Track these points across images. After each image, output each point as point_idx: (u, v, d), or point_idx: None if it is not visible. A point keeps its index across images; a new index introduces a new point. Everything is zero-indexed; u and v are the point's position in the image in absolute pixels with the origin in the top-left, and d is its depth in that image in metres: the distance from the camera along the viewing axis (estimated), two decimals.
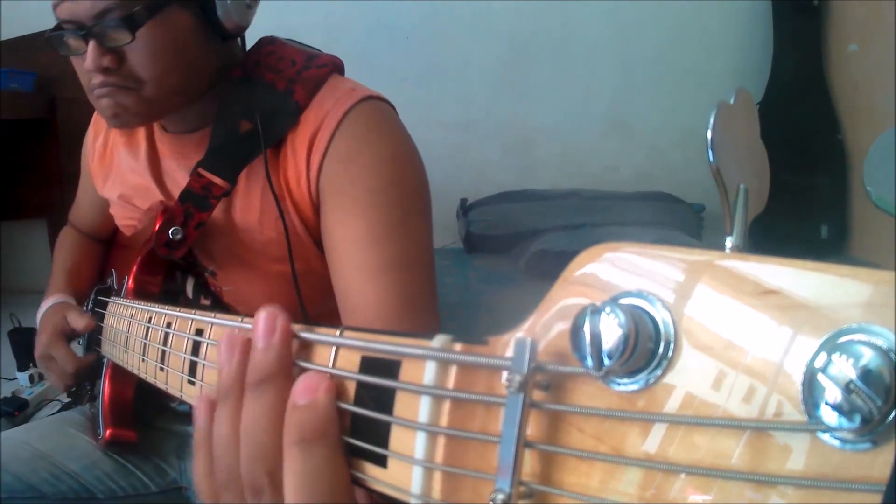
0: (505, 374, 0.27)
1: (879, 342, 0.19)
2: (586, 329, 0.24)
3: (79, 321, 1.07)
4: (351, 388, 0.35)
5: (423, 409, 0.31)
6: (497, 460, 0.26)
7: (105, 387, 1.01)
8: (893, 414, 0.19)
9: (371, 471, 0.33)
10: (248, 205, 0.94)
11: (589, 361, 0.24)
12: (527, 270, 2.50)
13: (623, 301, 0.25)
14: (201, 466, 0.39)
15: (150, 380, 0.69)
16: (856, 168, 2.96)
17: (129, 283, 0.97)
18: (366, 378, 0.34)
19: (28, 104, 2.75)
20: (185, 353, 0.57)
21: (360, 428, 0.34)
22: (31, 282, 1.15)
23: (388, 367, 0.33)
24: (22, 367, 2.05)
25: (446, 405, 0.30)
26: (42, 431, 1.10)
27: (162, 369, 0.65)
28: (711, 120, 0.26)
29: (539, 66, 3.22)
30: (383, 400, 0.33)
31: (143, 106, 0.89)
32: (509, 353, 0.27)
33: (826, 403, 0.20)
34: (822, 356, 0.20)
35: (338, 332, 0.36)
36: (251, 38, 1.00)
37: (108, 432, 1.00)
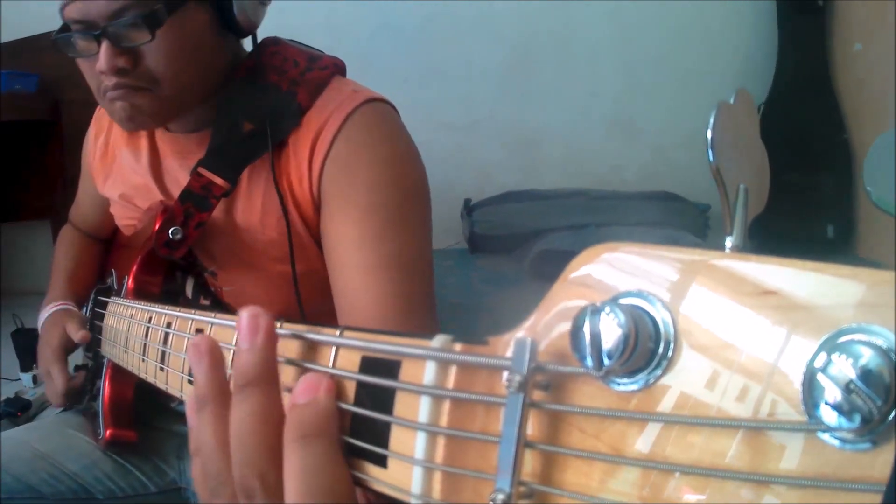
0: (505, 374, 0.27)
1: (879, 342, 0.19)
2: (586, 329, 0.24)
3: (76, 334, 1.08)
4: (351, 388, 0.35)
5: (423, 409, 0.31)
6: (497, 460, 0.26)
7: (105, 387, 1.01)
8: (893, 414, 0.19)
9: (371, 471, 0.33)
10: (250, 205, 0.94)
11: (589, 361, 0.24)
12: (530, 271, 2.50)
13: (623, 301, 0.25)
14: (196, 469, 0.39)
15: (150, 380, 0.69)
16: (861, 167, 2.96)
17: (129, 283, 0.97)
18: (366, 378, 0.34)
19: (31, 106, 2.75)
20: (185, 353, 0.57)
21: (360, 428, 0.34)
22: (33, 283, 1.15)
23: (388, 367, 0.33)
24: (25, 368, 2.06)
25: (446, 405, 0.30)
26: (42, 432, 1.10)
27: (162, 369, 0.65)
28: (711, 120, 0.26)
29: (542, 66, 3.22)
30: (383, 400, 0.33)
31: (158, 106, 0.88)
32: (509, 353, 0.27)
33: (826, 403, 0.20)
34: (822, 356, 0.20)
35: (338, 332, 0.36)
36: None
37: (108, 432, 1.01)
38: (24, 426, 1.17)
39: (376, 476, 0.33)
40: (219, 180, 0.92)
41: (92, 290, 1.22)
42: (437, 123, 3.09)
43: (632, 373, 0.24)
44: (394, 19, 3.13)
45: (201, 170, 0.92)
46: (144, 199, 1.05)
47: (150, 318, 0.72)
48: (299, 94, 0.92)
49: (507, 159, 3.26)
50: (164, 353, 0.64)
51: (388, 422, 0.32)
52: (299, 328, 0.39)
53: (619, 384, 0.25)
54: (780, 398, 0.21)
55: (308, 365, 0.37)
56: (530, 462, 0.27)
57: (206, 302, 1.02)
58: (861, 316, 0.20)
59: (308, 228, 0.93)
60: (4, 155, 2.77)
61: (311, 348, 0.38)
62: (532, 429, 0.27)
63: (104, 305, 1.03)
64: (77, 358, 1.21)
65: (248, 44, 1.00)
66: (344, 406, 0.34)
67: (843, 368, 0.19)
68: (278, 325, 0.40)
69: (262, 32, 1.01)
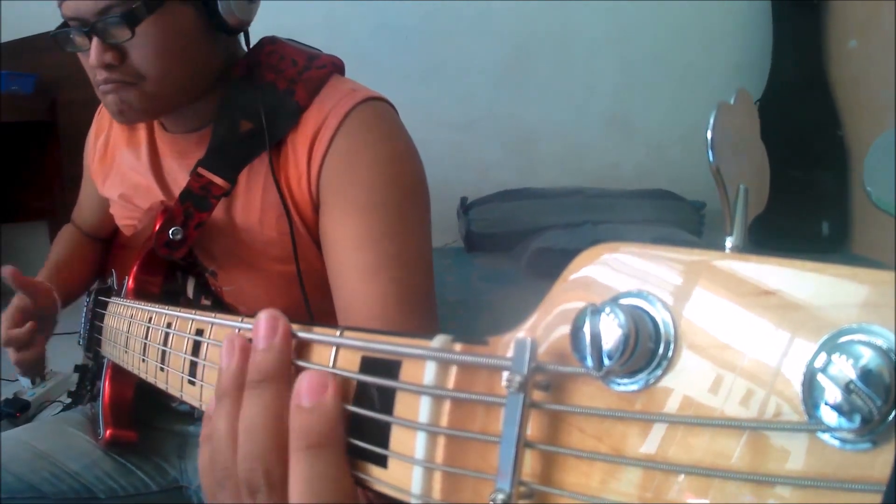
0: (505, 375, 0.27)
1: (879, 342, 0.19)
2: (586, 329, 0.24)
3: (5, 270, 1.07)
4: (351, 388, 0.35)
5: (423, 409, 0.31)
6: (497, 460, 0.26)
7: (105, 387, 1.01)
8: (893, 414, 0.19)
9: (371, 471, 0.33)
10: (249, 204, 0.94)
11: (589, 361, 0.24)
12: (528, 269, 2.50)
13: (623, 301, 0.25)
14: (204, 461, 0.40)
15: (151, 380, 0.69)
16: (857, 164, 2.96)
17: (130, 283, 0.97)
18: (366, 378, 0.34)
19: (28, 107, 2.75)
20: (186, 353, 0.57)
21: (360, 428, 0.34)
22: None
23: (389, 367, 0.33)
24: None
25: (446, 405, 0.30)
26: (42, 431, 1.10)
27: (162, 369, 0.65)
28: (711, 120, 0.26)
29: (539, 64, 3.22)
30: (383, 400, 0.33)
31: (146, 102, 0.90)
32: (509, 353, 0.27)
33: (826, 403, 0.20)
34: (822, 356, 0.20)
35: (338, 332, 0.36)
36: (252, 37, 1.00)
37: (108, 432, 1.00)
38: (23, 426, 1.17)
39: (376, 476, 0.33)
40: (218, 180, 0.92)
41: (83, 284, 1.23)
42: (434, 122, 3.09)
43: (632, 373, 0.24)
44: (392, 18, 3.13)
45: (201, 170, 0.92)
46: (144, 199, 1.05)
47: (151, 319, 0.72)
48: (297, 92, 0.92)
49: (504, 157, 3.26)
50: (164, 352, 0.64)
51: (388, 422, 0.32)
52: (299, 328, 0.39)
53: (619, 384, 0.25)
54: (780, 398, 0.21)
55: (302, 363, 0.38)
56: (530, 462, 0.27)
57: (206, 302, 1.02)
58: (861, 316, 0.20)
59: (307, 227, 0.93)
60: (2, 156, 2.77)
61: (311, 348, 0.38)
62: (532, 429, 0.27)
63: (104, 305, 1.03)
64: (77, 358, 1.21)
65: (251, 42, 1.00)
66: (344, 406, 0.34)
67: (844, 369, 0.19)
68: None
69: (261, 31, 1.01)
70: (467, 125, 3.23)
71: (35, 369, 1.12)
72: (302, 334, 0.38)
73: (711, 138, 0.26)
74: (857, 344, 0.19)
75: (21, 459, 1.00)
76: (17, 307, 1.09)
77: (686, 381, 0.23)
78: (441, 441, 0.30)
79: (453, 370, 0.30)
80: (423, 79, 3.16)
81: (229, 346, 0.39)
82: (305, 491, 0.33)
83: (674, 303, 0.24)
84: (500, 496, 0.26)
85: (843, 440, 0.20)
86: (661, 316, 0.24)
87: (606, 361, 0.24)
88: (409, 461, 0.31)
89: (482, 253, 2.84)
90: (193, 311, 0.57)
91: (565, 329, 0.26)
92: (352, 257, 0.88)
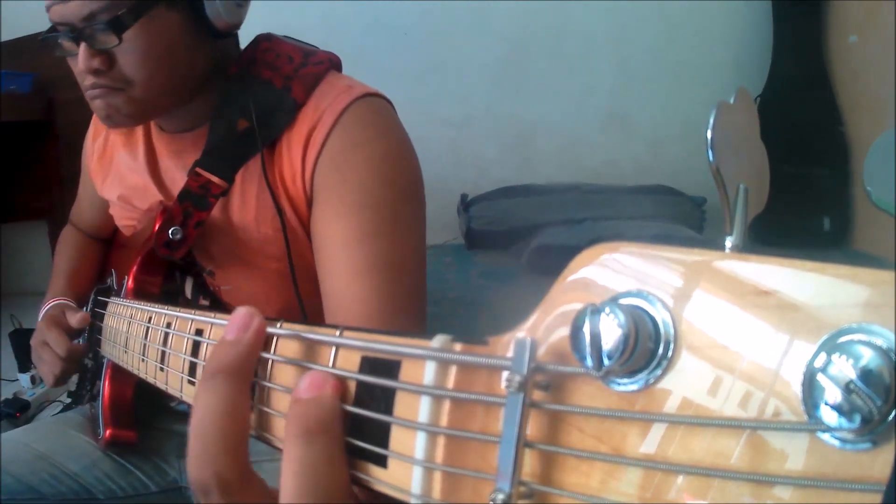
0: (505, 375, 0.27)
1: (879, 342, 0.19)
2: (586, 329, 0.24)
3: (74, 317, 1.07)
4: (351, 388, 0.35)
5: (423, 409, 0.31)
6: (497, 460, 0.26)
7: (105, 387, 1.01)
8: (893, 414, 0.19)
9: (371, 471, 0.33)
10: (245, 203, 0.94)
11: (589, 361, 0.24)
12: (528, 266, 2.50)
13: (623, 301, 0.25)
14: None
15: (150, 380, 0.69)
16: (858, 160, 2.96)
17: (129, 283, 0.97)
18: (366, 378, 0.34)
19: (26, 106, 2.75)
20: (185, 353, 0.57)
21: (360, 428, 0.34)
22: (31, 283, 1.15)
23: (388, 367, 0.33)
24: (23, 369, 2.06)
25: (446, 405, 0.30)
26: (42, 432, 1.10)
27: (162, 369, 0.65)
28: (711, 119, 0.26)
29: (537, 61, 3.22)
30: (383, 400, 0.33)
31: (133, 107, 0.90)
32: (509, 353, 0.27)
33: (826, 403, 0.20)
34: (822, 356, 0.20)
35: (338, 332, 0.36)
36: (249, 35, 1.00)
37: (107, 432, 1.01)
38: (23, 427, 1.17)
39: (376, 476, 0.33)
40: (216, 179, 0.92)
41: (91, 287, 1.22)
42: (432, 119, 3.09)
43: (632, 373, 0.24)
44: (390, 16, 3.13)
45: (199, 170, 0.92)
46: (143, 200, 1.05)
47: (150, 319, 0.72)
48: (294, 89, 0.92)
49: (502, 154, 3.26)
50: (163, 353, 0.64)
51: (388, 422, 0.32)
52: (299, 328, 0.38)
53: (619, 384, 0.25)
54: (780, 398, 0.21)
55: (306, 364, 0.37)
56: (530, 462, 0.27)
57: (205, 302, 1.02)
58: (861, 316, 0.20)
59: (303, 225, 0.93)
60: (0, 156, 2.77)
61: (311, 348, 0.38)
62: (532, 429, 0.27)
63: (104, 305, 1.03)
64: None
65: (246, 40, 1.00)
66: (344, 407, 0.34)
67: (843, 369, 0.19)
68: (278, 325, 0.40)
69: (258, 29, 1.01)
70: (465, 122, 3.23)
71: (66, 381, 1.13)
72: (302, 334, 0.38)
73: (711, 138, 0.26)
74: (857, 344, 0.19)
75: (20, 460, 1.00)
76: (63, 323, 1.10)
77: (686, 381, 0.23)
78: (441, 441, 0.30)
79: (453, 370, 0.30)
80: (421, 76, 3.16)
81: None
82: (297, 480, 0.32)
83: (674, 303, 0.24)
84: (500, 496, 0.26)
85: (843, 440, 0.20)
86: (661, 316, 0.24)
87: (606, 361, 0.24)
88: (408, 461, 0.31)
89: (482, 250, 2.84)
90: (193, 312, 0.57)
91: (565, 329, 0.26)
92: (342, 256, 0.87)
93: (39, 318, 1.15)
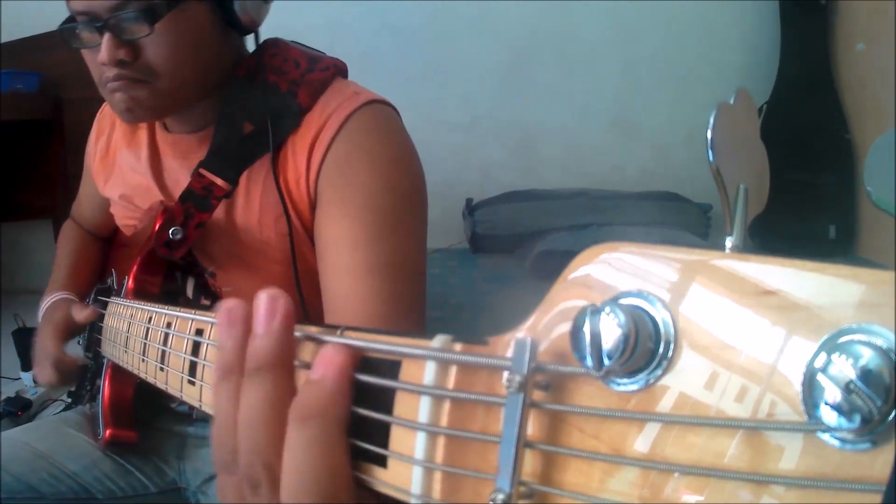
0: (505, 375, 0.27)
1: (879, 342, 0.19)
2: (586, 329, 0.24)
3: (81, 312, 1.07)
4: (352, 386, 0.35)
5: (423, 409, 0.31)
6: (497, 460, 0.26)
7: (105, 387, 1.01)
8: (893, 414, 0.19)
9: (371, 471, 0.33)
10: (249, 205, 0.94)
11: (589, 361, 0.24)
12: (532, 270, 2.50)
13: (623, 301, 0.25)
14: (213, 439, 0.38)
15: (150, 380, 0.69)
16: (863, 167, 2.95)
17: (129, 283, 0.97)
18: (366, 378, 0.34)
19: (32, 106, 2.76)
20: (185, 353, 0.57)
21: (360, 428, 0.34)
22: (35, 282, 1.15)
23: (389, 367, 0.33)
24: (26, 367, 2.06)
25: (446, 405, 0.30)
26: (41, 432, 1.10)
27: (162, 369, 0.65)
28: (711, 120, 0.26)
29: (542, 65, 3.22)
30: (383, 400, 0.33)
31: (156, 99, 0.90)
32: (509, 353, 0.27)
33: (826, 403, 0.20)
34: (822, 356, 0.20)
35: (338, 332, 0.36)
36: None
37: (107, 432, 1.00)
38: (23, 426, 1.17)
39: (376, 476, 0.33)
40: (220, 181, 0.92)
41: (92, 286, 1.22)
42: (437, 123, 3.09)
43: (632, 373, 0.24)
44: (394, 19, 3.13)
45: (202, 171, 0.92)
46: (144, 200, 1.05)
47: (150, 319, 0.72)
48: (300, 94, 0.92)
49: (507, 158, 3.26)
50: (164, 353, 0.64)
51: (388, 422, 0.32)
52: (300, 328, 0.38)
53: (619, 384, 0.25)
54: (780, 398, 0.21)
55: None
56: (530, 462, 0.27)
57: (206, 302, 1.02)
58: (861, 316, 0.20)
59: (306, 229, 0.93)
60: (6, 154, 2.77)
61: (311, 348, 0.38)
62: (532, 429, 0.27)
63: (104, 305, 1.03)
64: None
65: (250, 43, 1.01)
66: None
67: (843, 369, 0.19)
68: None
69: (264, 32, 1.01)
70: (469, 126, 3.23)
71: (60, 387, 1.15)
72: (301, 334, 0.38)
73: (711, 138, 0.26)
74: (858, 344, 0.19)
75: (20, 460, 1.00)
76: (63, 325, 1.10)
77: (686, 381, 0.23)
78: (441, 441, 0.30)
79: (453, 370, 0.30)
80: (426, 80, 3.16)
81: (228, 318, 0.37)
82: (293, 462, 0.32)
83: (673, 302, 0.24)
84: (500, 496, 0.26)
85: (842, 440, 0.20)
86: (661, 316, 0.24)
87: (606, 361, 0.24)
88: (408, 461, 0.31)
89: (487, 254, 2.84)
90: (193, 312, 0.57)
91: (565, 329, 0.26)
92: (342, 258, 0.88)
93: (40, 313, 1.15)
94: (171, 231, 0.92)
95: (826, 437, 0.20)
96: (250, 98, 0.94)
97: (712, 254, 0.24)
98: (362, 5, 3.10)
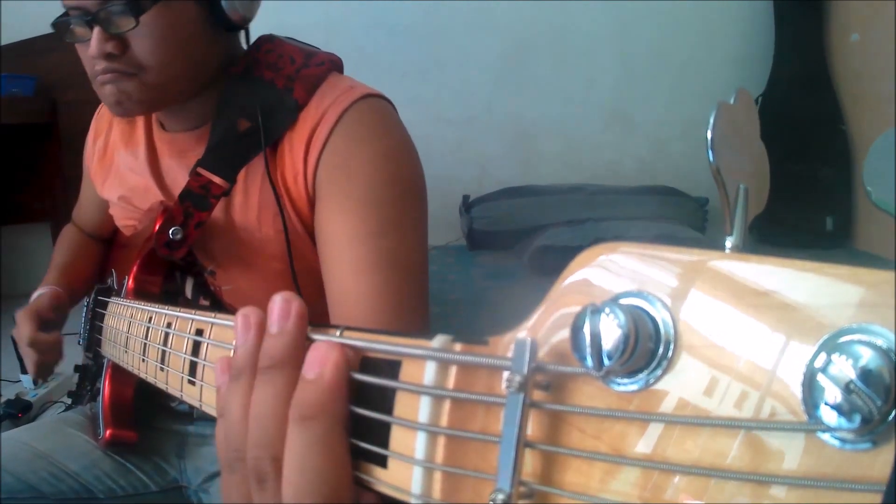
0: (505, 375, 0.27)
1: (879, 342, 0.19)
2: (586, 329, 0.24)
3: (47, 298, 1.10)
4: (351, 387, 0.35)
5: (423, 409, 0.31)
6: (497, 460, 0.26)
7: (105, 387, 1.01)
8: (893, 414, 0.19)
9: (371, 471, 0.33)
10: (247, 203, 0.94)
11: (589, 361, 0.24)
12: (530, 266, 2.50)
13: (623, 301, 0.25)
14: (220, 432, 0.39)
15: (151, 380, 0.69)
16: (860, 159, 2.96)
17: (129, 283, 0.97)
18: (366, 378, 0.34)
19: (29, 109, 2.76)
20: (186, 353, 0.57)
21: (360, 428, 0.34)
22: (33, 286, 1.15)
23: (389, 367, 0.33)
24: (25, 370, 2.05)
25: (446, 405, 0.30)
26: (42, 431, 1.10)
27: (162, 369, 0.65)
28: (711, 120, 0.26)
29: (539, 59, 3.22)
30: (383, 400, 0.33)
31: (145, 93, 0.90)
32: (509, 353, 0.27)
33: (826, 403, 0.20)
34: (822, 356, 0.20)
35: (338, 332, 0.36)
36: (251, 36, 1.00)
37: (108, 432, 1.01)
38: (23, 427, 1.17)
39: (376, 476, 0.33)
40: (218, 180, 0.92)
41: (87, 284, 1.23)
42: (434, 118, 3.09)
43: (632, 373, 0.24)
44: (391, 15, 3.13)
45: (200, 169, 0.92)
46: (143, 200, 1.05)
47: (151, 318, 0.72)
48: (295, 90, 0.92)
49: (505, 153, 3.26)
50: (164, 352, 0.64)
51: (388, 422, 0.32)
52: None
53: (619, 384, 0.25)
54: (780, 399, 0.21)
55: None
56: (530, 462, 0.27)
57: (205, 302, 1.02)
58: (861, 316, 0.20)
59: (304, 226, 0.93)
60: (3, 158, 2.77)
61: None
62: (532, 429, 0.27)
63: (104, 305, 1.03)
64: (78, 358, 1.21)
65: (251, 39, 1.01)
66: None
67: (843, 369, 0.19)
68: None
69: (260, 29, 1.01)
70: (467, 121, 3.23)
71: (49, 371, 1.15)
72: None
73: (711, 138, 0.26)
74: (857, 344, 0.19)
75: (20, 459, 1.00)
76: (36, 310, 1.10)
77: (686, 381, 0.23)
78: (441, 441, 0.30)
79: (453, 370, 0.30)
80: (423, 75, 3.16)
81: (244, 322, 0.38)
82: (296, 462, 0.32)
83: (673, 303, 0.24)
84: (500, 496, 0.26)
85: (842, 440, 0.20)
86: (661, 316, 0.24)
87: (606, 361, 0.24)
88: (409, 461, 0.31)
89: (484, 251, 2.84)
90: (193, 311, 0.57)
91: (565, 329, 0.26)
92: (344, 253, 0.88)
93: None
94: (171, 231, 0.92)
95: (826, 437, 0.20)
96: (246, 95, 0.94)
97: (712, 254, 0.24)
98: (358, 2, 3.10)
